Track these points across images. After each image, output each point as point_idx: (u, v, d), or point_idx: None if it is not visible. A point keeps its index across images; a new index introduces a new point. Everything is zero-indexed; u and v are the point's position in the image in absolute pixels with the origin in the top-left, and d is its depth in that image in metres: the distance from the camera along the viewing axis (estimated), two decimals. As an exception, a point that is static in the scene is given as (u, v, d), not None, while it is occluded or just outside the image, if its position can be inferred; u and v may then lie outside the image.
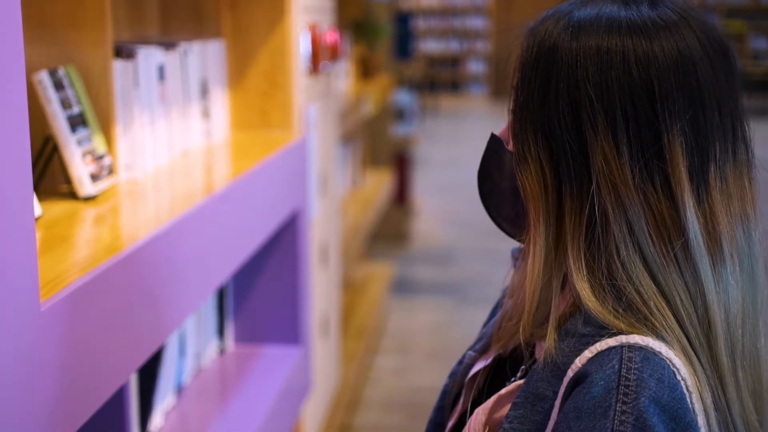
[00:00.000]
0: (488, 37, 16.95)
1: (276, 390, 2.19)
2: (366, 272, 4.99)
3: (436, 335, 4.75)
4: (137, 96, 1.76)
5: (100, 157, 1.61)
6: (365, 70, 4.66)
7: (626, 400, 0.84)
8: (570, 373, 0.89)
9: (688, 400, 0.87)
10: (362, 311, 4.40)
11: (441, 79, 16.91)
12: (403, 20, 6.80)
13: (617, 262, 0.91)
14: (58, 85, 1.52)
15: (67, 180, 1.55)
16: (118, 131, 1.69)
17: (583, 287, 0.92)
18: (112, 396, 1.73)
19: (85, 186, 1.54)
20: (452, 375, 1.16)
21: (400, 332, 4.78)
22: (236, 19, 2.40)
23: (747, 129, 0.98)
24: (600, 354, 0.88)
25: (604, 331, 0.90)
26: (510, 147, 1.02)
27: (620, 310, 0.90)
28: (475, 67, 17.25)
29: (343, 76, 3.87)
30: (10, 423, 0.93)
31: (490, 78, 17.04)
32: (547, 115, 0.95)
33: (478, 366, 1.10)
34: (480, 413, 0.99)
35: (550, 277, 0.95)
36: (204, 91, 2.17)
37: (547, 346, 0.92)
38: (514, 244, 1.09)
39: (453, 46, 17.28)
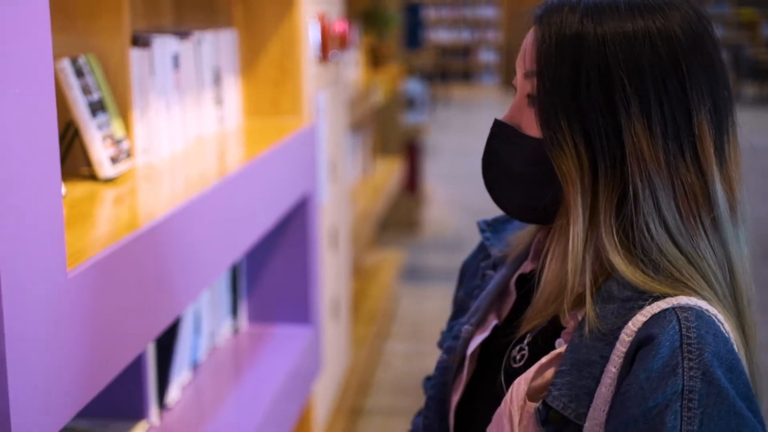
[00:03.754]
0: (499, 27, 16.97)
1: (287, 368, 2.27)
2: (377, 259, 5.07)
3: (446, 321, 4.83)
4: (153, 83, 1.84)
5: (119, 141, 1.69)
6: (375, 60, 4.73)
7: (691, 357, 0.92)
8: (625, 337, 0.95)
9: (736, 350, 0.96)
10: (373, 297, 4.47)
11: (452, 69, 16.95)
12: (413, 10, 6.86)
13: (647, 236, 0.98)
14: (79, 73, 1.60)
15: (88, 162, 1.63)
16: (136, 116, 1.77)
17: (618, 261, 0.98)
18: (130, 369, 1.82)
19: (104, 168, 1.62)
20: (449, 350, 1.18)
21: (410, 318, 4.86)
22: (247, 9, 2.48)
23: (732, 94, 1.04)
24: (655, 317, 0.95)
25: (645, 294, 0.97)
26: (529, 132, 1.05)
27: (656, 277, 0.97)
28: (487, 56, 17.29)
29: (352, 66, 3.94)
30: (39, 380, 1.02)
31: (501, 68, 17.07)
32: (579, 101, 0.99)
33: (478, 339, 1.15)
34: (522, 382, 1.02)
35: (585, 253, 1.00)
36: (217, 79, 2.25)
37: (589, 317, 0.98)
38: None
39: (464, 36, 17.32)
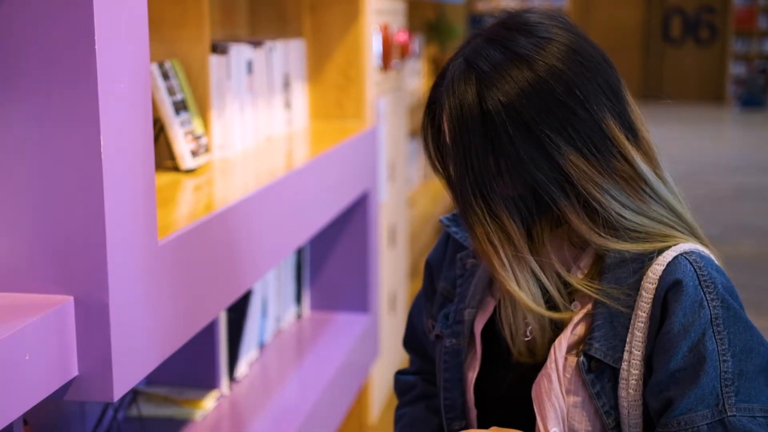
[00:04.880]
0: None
1: (347, 350, 2.47)
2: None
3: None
4: (229, 86, 2.05)
5: (198, 137, 1.90)
6: (437, 70, 4.91)
7: (710, 290, 1.12)
8: (649, 286, 1.14)
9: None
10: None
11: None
12: (477, 22, 7.03)
13: (623, 221, 1.16)
14: (165, 76, 1.82)
15: (171, 156, 1.85)
16: (213, 116, 1.99)
17: (614, 245, 1.16)
18: (204, 342, 2.03)
19: (186, 160, 1.84)
20: (456, 334, 1.30)
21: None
22: (315, 20, 2.69)
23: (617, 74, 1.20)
24: (670, 264, 1.14)
25: (648, 249, 1.16)
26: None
27: (648, 240, 1.16)
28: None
29: (414, 75, 4.13)
30: (135, 329, 1.22)
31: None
32: (521, 163, 1.13)
33: (483, 319, 1.29)
34: (562, 341, 1.18)
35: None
36: (286, 84, 2.46)
37: (607, 288, 1.16)
38: None
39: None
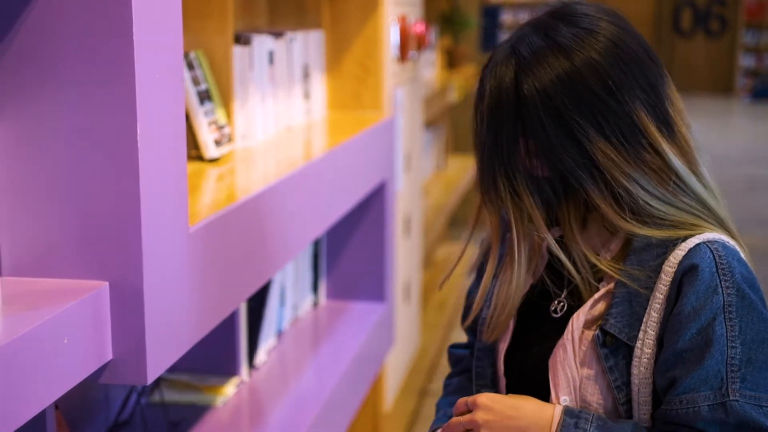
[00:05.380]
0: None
1: (363, 338, 2.49)
2: (448, 252, 5.27)
3: (514, 313, 5.00)
4: (252, 77, 2.08)
5: (222, 127, 1.92)
6: (451, 61, 4.93)
7: (726, 278, 1.16)
8: (669, 269, 1.18)
9: (752, 271, 1.20)
10: (444, 287, 4.68)
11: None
12: (491, 13, 7.03)
13: (650, 210, 1.20)
14: (190, 66, 1.84)
15: (195, 145, 1.87)
16: (236, 106, 2.01)
17: (642, 231, 1.20)
18: (226, 331, 2.05)
19: (210, 150, 1.86)
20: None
21: (479, 309, 5.04)
22: (334, 11, 2.70)
23: (661, 66, 1.24)
24: (691, 250, 1.18)
25: (674, 236, 1.20)
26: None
27: (674, 229, 1.21)
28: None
29: (429, 66, 4.15)
30: (166, 311, 1.25)
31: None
32: (551, 148, 1.20)
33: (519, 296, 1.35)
34: (580, 315, 1.24)
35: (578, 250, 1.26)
36: (306, 75, 2.48)
37: (630, 269, 1.21)
38: None
39: (542, 39, 17.36)
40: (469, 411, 1.24)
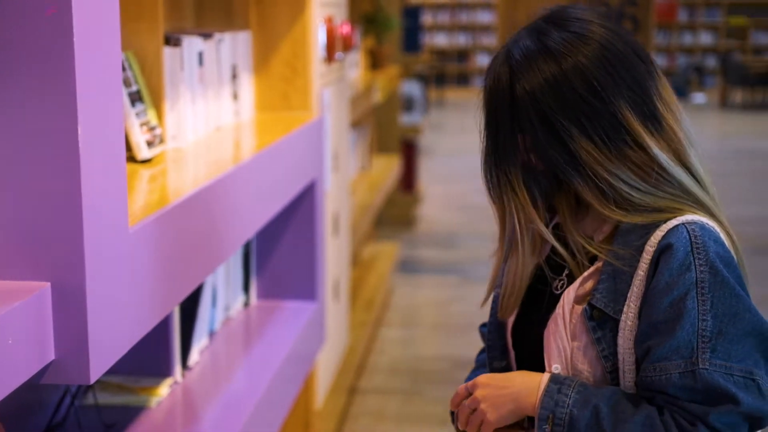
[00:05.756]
0: (495, 32, 17.23)
1: (295, 337, 2.51)
2: (374, 251, 5.31)
3: (440, 310, 5.07)
4: (182, 78, 2.08)
5: (153, 128, 1.93)
6: (374, 62, 4.97)
7: (700, 256, 1.25)
8: (649, 248, 1.27)
9: (730, 251, 1.29)
10: (370, 286, 4.71)
11: (449, 73, 17.21)
12: (412, 14, 7.10)
13: (634, 201, 1.30)
14: (121, 67, 1.84)
15: (128, 147, 1.87)
16: (167, 107, 2.01)
17: (626, 217, 1.30)
18: (159, 333, 2.05)
19: (142, 151, 1.86)
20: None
21: (405, 307, 5.10)
22: (261, 12, 2.72)
23: (650, 64, 1.33)
24: (670, 231, 1.27)
25: (657, 219, 1.29)
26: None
27: (655, 214, 1.30)
28: (483, 60, 17.53)
29: (353, 67, 4.18)
30: (109, 309, 1.25)
31: (497, 71, 17.28)
32: (541, 145, 1.30)
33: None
34: (570, 291, 1.34)
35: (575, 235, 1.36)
36: (234, 76, 2.49)
37: (616, 249, 1.31)
38: None
39: (461, 40, 17.57)
40: (470, 394, 1.36)
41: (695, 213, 1.30)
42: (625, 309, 1.29)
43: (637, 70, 1.30)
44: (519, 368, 1.44)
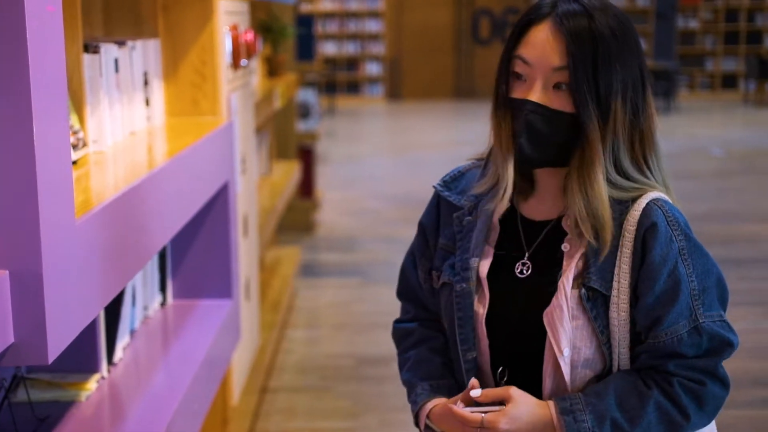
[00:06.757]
0: (384, 40, 17.49)
1: (213, 332, 2.60)
2: (277, 255, 5.41)
3: (342, 310, 5.21)
4: (101, 84, 2.16)
5: (77, 132, 2.00)
6: (271, 69, 5.07)
7: (675, 228, 1.45)
8: (630, 227, 1.44)
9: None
10: (275, 288, 4.81)
11: (340, 81, 17.38)
12: (305, 23, 7.22)
13: (624, 175, 1.47)
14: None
15: (53, 149, 1.94)
16: (88, 112, 2.09)
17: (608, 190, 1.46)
18: (86, 331, 2.12)
19: (68, 153, 1.94)
20: (465, 279, 1.54)
21: (309, 308, 5.21)
22: (169, 20, 2.80)
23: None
24: (645, 209, 1.44)
25: (624, 197, 1.46)
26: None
27: (626, 190, 1.46)
28: (372, 68, 17.76)
29: (251, 74, 4.27)
30: (63, 294, 1.34)
31: (386, 79, 17.59)
32: (598, 87, 1.43)
33: (486, 264, 1.54)
34: (569, 276, 1.46)
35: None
36: (146, 82, 2.57)
37: (605, 226, 1.46)
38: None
39: (350, 49, 17.77)
40: (494, 403, 1.44)
41: (655, 190, 1.47)
42: (615, 285, 1.45)
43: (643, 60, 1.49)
44: (493, 356, 1.51)
